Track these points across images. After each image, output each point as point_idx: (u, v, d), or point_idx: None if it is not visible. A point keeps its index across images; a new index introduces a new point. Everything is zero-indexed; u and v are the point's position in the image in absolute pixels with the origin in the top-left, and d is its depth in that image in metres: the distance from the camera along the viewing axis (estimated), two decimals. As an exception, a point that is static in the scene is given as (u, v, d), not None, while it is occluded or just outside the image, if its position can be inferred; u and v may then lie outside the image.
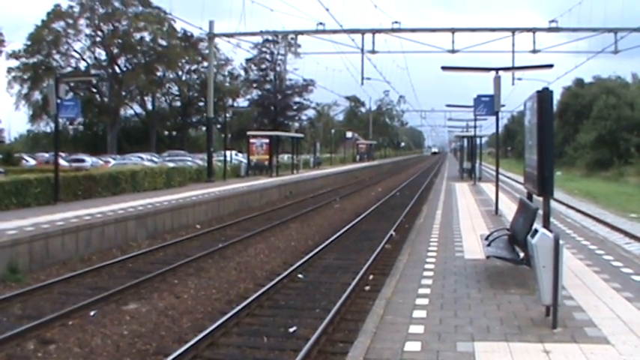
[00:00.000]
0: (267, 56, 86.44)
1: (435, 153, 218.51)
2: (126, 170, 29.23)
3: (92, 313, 11.35)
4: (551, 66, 21.07)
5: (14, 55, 75.23)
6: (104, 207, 21.18)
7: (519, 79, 43.52)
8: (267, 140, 46.05)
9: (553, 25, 37.36)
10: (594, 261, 12.34)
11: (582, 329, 7.74)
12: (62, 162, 35.27)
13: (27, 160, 50.63)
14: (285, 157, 58.19)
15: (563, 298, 8.47)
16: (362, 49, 40.01)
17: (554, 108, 11.14)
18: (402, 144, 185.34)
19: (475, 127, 38.58)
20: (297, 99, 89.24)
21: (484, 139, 67.38)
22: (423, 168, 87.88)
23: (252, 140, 46.25)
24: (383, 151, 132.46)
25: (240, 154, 62.50)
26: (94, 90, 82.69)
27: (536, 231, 8.18)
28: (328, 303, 12.04)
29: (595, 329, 7.74)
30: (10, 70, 78.05)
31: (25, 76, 78.47)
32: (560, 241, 7.69)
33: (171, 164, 40.83)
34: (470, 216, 20.45)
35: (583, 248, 13.99)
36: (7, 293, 12.49)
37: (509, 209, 20.88)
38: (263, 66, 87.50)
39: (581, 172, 67.64)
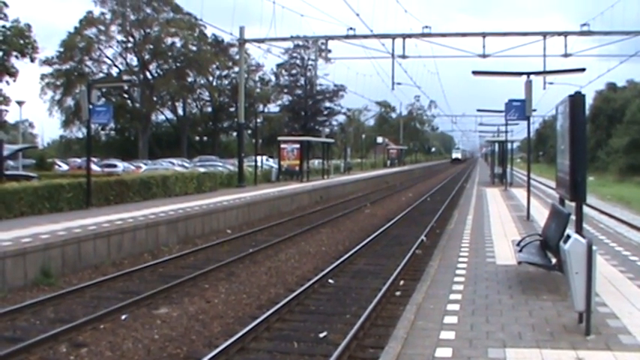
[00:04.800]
0: (298, 61, 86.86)
1: (456, 160, 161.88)
2: (157, 175, 29.40)
3: (123, 317, 11.42)
4: (583, 70, 20.82)
5: (47, 62, 76.17)
6: (136, 212, 21.34)
7: (551, 83, 43.12)
8: (297, 145, 46.06)
9: (585, 28, 36.97)
10: (628, 267, 12.18)
11: (616, 336, 7.64)
12: (94, 167, 35.70)
13: (60, 166, 51.22)
14: (315, 163, 58.20)
15: (597, 304, 8.37)
16: (392, 54, 39.90)
17: (587, 112, 10.98)
18: (433, 149, 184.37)
19: (506, 132, 38.37)
20: (327, 104, 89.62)
21: (515, 144, 66.91)
22: (454, 173, 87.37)
23: (282, 145, 46.25)
24: (413, 157, 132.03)
25: (271, 160, 62.63)
26: (126, 96, 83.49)
27: (568, 236, 8.09)
28: (359, 308, 12.00)
29: (629, 337, 7.63)
30: (43, 76, 79.20)
31: (58, 83, 79.50)
32: (593, 247, 7.60)
33: (202, 169, 41.03)
34: (501, 221, 20.30)
35: (617, 254, 13.81)
36: (41, 297, 12.64)
37: (540, 215, 20.69)
38: (294, 71, 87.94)
39: (614, 177, 66.88)
